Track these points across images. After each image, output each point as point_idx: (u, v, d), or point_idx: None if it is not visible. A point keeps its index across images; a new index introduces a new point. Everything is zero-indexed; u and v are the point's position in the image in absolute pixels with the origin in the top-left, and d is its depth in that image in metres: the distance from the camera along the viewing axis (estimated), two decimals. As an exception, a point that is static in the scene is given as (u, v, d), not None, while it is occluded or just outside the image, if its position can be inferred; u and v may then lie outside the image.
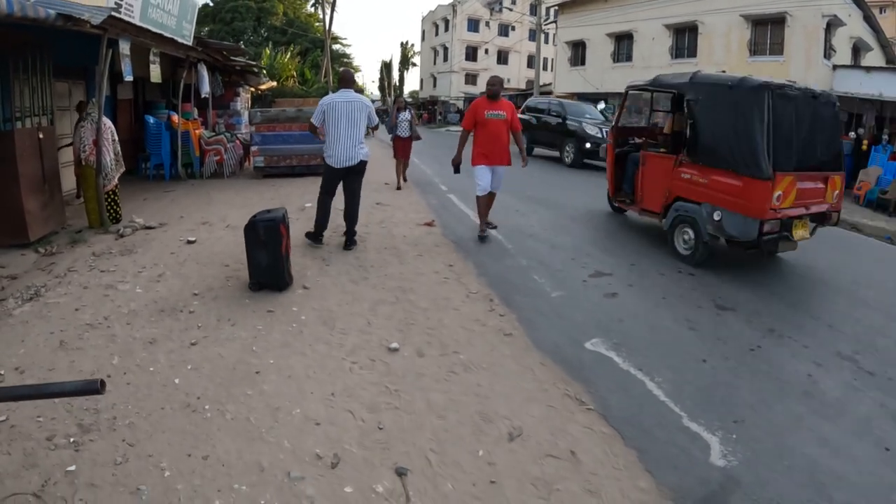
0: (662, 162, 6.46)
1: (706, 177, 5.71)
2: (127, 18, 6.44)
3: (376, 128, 6.81)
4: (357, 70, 56.29)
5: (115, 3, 6.09)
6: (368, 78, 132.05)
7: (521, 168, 6.85)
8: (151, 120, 10.15)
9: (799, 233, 5.60)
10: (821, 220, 6.02)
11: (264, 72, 20.21)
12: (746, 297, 4.96)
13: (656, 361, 3.64)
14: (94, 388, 1.43)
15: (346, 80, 6.05)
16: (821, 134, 5.67)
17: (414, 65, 61.29)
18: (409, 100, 59.04)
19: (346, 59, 45.92)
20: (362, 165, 5.84)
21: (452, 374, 3.37)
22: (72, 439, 2.63)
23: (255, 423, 2.79)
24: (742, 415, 3.04)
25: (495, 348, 3.75)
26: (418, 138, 10.76)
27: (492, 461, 2.59)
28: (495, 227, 6.88)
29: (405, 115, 10.59)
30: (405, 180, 10.80)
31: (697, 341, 3.99)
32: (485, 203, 6.53)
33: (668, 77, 6.92)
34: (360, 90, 38.56)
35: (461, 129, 6.55)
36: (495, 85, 6.39)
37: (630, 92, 7.71)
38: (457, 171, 6.59)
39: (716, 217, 5.52)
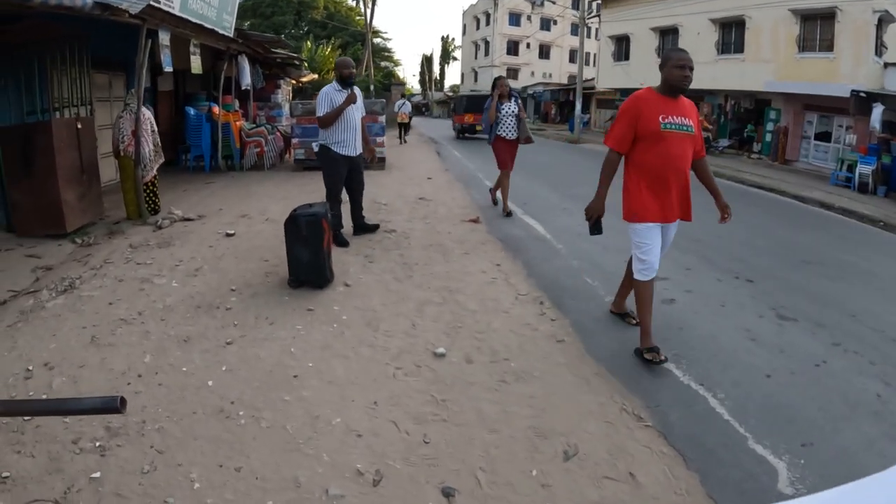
0: None
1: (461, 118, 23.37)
2: (166, 9, 6.37)
3: (321, 121, 5.48)
4: (398, 63, 56.36)
5: (155, -7, 6.02)
6: (409, 72, 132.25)
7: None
8: (192, 111, 10.16)
9: (477, 129, 20.77)
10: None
11: (305, 64, 20.24)
12: (808, 306, 4.59)
13: (718, 375, 3.34)
14: (113, 406, 1.21)
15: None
16: (479, 105, 16.29)
17: (455, 59, 61.24)
18: (451, 93, 58.83)
19: (386, 53, 45.95)
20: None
21: (503, 384, 3.12)
22: (98, 443, 2.48)
23: (293, 433, 2.58)
24: (810, 437, 2.75)
25: (548, 356, 3.49)
26: (529, 141, 7.38)
27: (546, 482, 2.35)
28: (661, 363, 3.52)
29: (510, 107, 7.21)
30: (509, 214, 7.55)
31: (760, 354, 3.66)
32: (649, 295, 3.55)
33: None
34: (400, 83, 38.83)
35: (607, 148, 3.53)
36: (686, 67, 3.35)
37: None
38: (597, 229, 3.58)
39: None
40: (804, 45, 17.23)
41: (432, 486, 2.28)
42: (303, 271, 4.35)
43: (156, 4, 6.00)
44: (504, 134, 7.24)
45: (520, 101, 7.40)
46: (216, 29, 8.36)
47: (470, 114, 22.16)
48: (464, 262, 5.31)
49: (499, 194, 7.90)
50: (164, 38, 6.70)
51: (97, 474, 2.28)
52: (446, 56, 61.91)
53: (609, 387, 3.17)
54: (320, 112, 5.38)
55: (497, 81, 7.40)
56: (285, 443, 2.52)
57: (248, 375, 3.10)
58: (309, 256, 4.27)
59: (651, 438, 2.70)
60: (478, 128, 21.18)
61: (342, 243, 5.62)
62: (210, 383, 3.01)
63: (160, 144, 6.84)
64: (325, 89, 5.48)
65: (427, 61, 61.18)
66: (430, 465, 2.41)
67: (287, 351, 3.40)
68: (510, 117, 7.20)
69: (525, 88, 40.25)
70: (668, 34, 22.72)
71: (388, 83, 36.45)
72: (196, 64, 7.99)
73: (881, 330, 4.19)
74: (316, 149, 5.64)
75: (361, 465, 2.37)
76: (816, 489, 2.28)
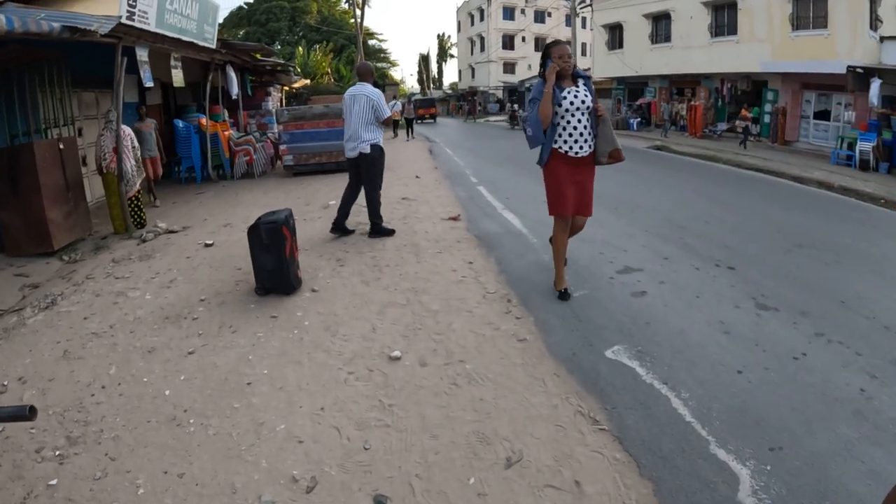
0: None
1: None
2: (140, 26, 6.45)
3: (388, 122, 5.96)
4: (395, 64, 56.44)
5: (128, 12, 6.08)
6: (407, 71, 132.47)
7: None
8: (181, 124, 10.31)
9: (426, 119, 38.10)
10: (433, 116, 39.47)
11: (297, 70, 20.34)
12: (793, 294, 4.38)
13: (684, 373, 3.15)
14: (23, 414, 1.37)
15: (360, 73, 6.21)
16: (426, 104, 39.81)
17: (452, 56, 61.19)
18: (449, 91, 58.50)
19: (382, 55, 45.98)
20: (363, 159, 5.91)
21: (454, 387, 3.09)
22: (58, 452, 2.61)
23: (237, 440, 2.65)
24: (779, 440, 2.55)
25: (506, 356, 3.42)
26: (618, 157, 4.20)
27: (482, 491, 2.30)
28: None
29: (579, 96, 4.00)
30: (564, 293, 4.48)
31: (732, 348, 3.47)
32: None
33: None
34: (394, 84, 39.88)
35: None
36: None
37: None
38: None
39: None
40: (798, 23, 17.07)
41: (365, 494, 2.29)
42: (267, 279, 4.41)
43: (128, 22, 6.08)
44: (567, 147, 4.05)
45: (592, 85, 4.19)
46: (196, 41, 8.43)
47: (421, 108, 36.76)
48: (435, 262, 5.30)
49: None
50: (143, 54, 6.79)
51: (54, 481, 2.42)
52: (443, 54, 62.06)
53: (566, 388, 3.05)
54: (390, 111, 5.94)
55: (551, 48, 4.05)
56: (228, 449, 2.59)
57: (203, 384, 3.18)
58: (272, 264, 4.32)
59: (604, 443, 2.57)
60: (426, 118, 37.63)
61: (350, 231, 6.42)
62: (167, 392, 3.10)
63: (141, 160, 6.95)
64: (379, 91, 5.98)
65: (424, 60, 61.34)
66: (365, 472, 2.42)
67: (245, 359, 3.46)
68: (580, 114, 4.00)
69: (522, 82, 40.12)
70: (660, 20, 22.62)
71: (382, 84, 36.82)
72: (177, 77, 8.08)
73: (872, 317, 3.94)
74: (367, 150, 5.83)
75: (297, 472, 2.42)
76: (782, 499, 2.20)
